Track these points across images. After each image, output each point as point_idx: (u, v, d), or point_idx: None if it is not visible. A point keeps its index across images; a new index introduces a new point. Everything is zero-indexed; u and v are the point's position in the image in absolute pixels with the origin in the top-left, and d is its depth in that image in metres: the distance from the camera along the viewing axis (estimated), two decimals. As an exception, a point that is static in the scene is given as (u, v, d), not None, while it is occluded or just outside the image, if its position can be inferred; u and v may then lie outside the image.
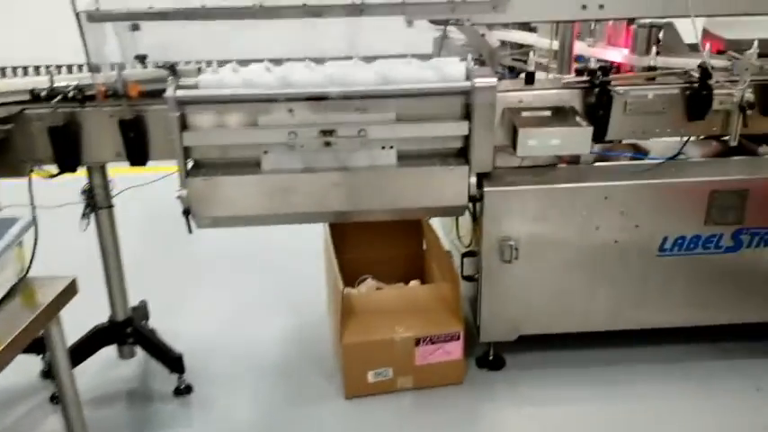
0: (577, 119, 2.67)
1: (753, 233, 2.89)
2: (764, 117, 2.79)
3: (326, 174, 2.65)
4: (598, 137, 2.73)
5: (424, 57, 2.75)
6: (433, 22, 2.60)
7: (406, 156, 2.70)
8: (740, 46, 2.86)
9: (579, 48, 3.15)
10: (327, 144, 2.57)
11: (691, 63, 2.84)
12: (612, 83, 2.70)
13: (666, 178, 2.82)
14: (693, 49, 2.93)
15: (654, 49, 2.88)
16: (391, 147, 2.67)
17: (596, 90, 2.69)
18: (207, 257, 4.04)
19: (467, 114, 2.64)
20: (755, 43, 2.76)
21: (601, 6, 2.66)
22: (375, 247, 3.41)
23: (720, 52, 2.91)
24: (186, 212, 2.63)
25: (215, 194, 2.62)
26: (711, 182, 2.82)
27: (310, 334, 3.37)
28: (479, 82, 2.57)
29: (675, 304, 3.00)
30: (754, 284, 2.97)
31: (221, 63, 2.74)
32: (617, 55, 3.08)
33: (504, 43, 3.37)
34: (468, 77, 2.61)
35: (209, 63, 2.77)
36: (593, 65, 2.98)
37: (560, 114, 2.72)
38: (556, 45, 3.15)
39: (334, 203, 2.71)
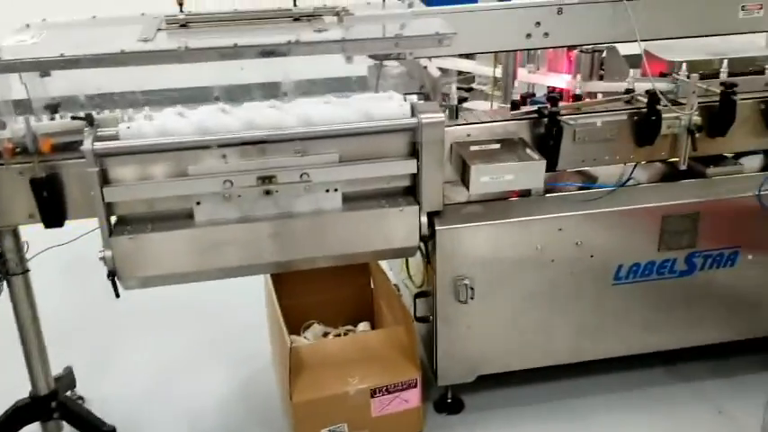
0: (528, 151, 2.56)
1: (705, 256, 2.86)
2: (712, 139, 2.75)
3: (266, 223, 2.45)
4: (549, 167, 2.63)
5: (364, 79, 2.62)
6: (373, 57, 2.44)
7: (352, 198, 2.54)
8: (682, 68, 2.83)
9: (521, 74, 3.07)
10: (267, 193, 2.37)
11: (636, 87, 2.79)
12: (561, 112, 2.61)
13: (619, 206, 2.75)
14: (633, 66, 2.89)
15: (600, 74, 2.81)
16: (336, 189, 2.50)
17: (545, 121, 2.59)
18: (136, 311, 3.70)
19: (414, 152, 2.49)
20: (699, 65, 2.74)
21: (546, 34, 2.57)
22: (320, 289, 3.21)
23: (663, 75, 2.86)
24: (111, 274, 2.37)
25: (143, 253, 2.38)
26: (663, 207, 2.77)
27: (255, 389, 3.14)
28: (426, 118, 2.43)
29: (633, 331, 2.94)
30: (709, 306, 2.94)
31: (144, 102, 2.51)
32: (559, 81, 3.01)
33: (444, 71, 3.24)
34: (413, 113, 2.47)
35: (140, 105, 2.52)
36: (539, 92, 2.91)
37: (510, 147, 2.61)
38: (497, 72, 3.06)
39: (276, 254, 2.51)
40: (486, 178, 2.44)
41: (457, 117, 2.68)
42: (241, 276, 2.62)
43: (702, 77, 2.75)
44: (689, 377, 3.11)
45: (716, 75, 2.80)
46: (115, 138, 2.27)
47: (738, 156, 2.96)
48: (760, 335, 3.01)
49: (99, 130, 2.27)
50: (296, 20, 2.43)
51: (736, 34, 2.79)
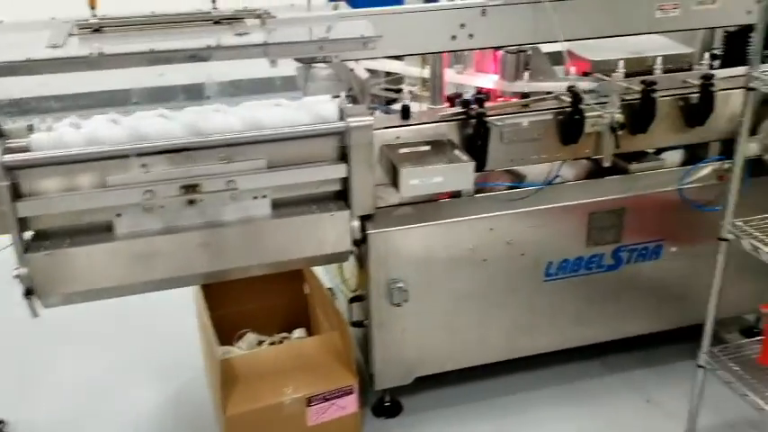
0: (457, 152, 2.56)
1: (631, 249, 2.93)
2: (634, 136, 2.82)
3: (192, 233, 2.37)
4: (478, 167, 2.64)
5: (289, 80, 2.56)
6: (298, 60, 2.39)
7: (282, 204, 2.48)
8: (604, 67, 2.89)
9: (449, 75, 3.06)
10: (191, 202, 2.29)
11: (560, 87, 2.83)
12: (488, 113, 2.62)
13: (547, 204, 2.79)
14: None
15: (526, 74, 2.84)
16: (264, 196, 2.44)
17: (473, 122, 2.59)
18: (59, 326, 3.56)
19: (343, 156, 2.46)
20: (621, 64, 2.80)
21: (471, 36, 2.58)
22: (253, 297, 3.14)
23: (586, 74, 2.92)
24: (28, 293, 2.25)
25: (62, 269, 2.27)
26: (589, 204, 2.82)
27: (189, 402, 3.05)
28: (354, 121, 2.40)
29: (565, 326, 2.99)
30: (637, 298, 3.02)
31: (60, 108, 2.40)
32: (487, 81, 3.02)
33: (372, 72, 3.22)
34: (341, 117, 2.43)
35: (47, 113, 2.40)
36: (468, 93, 2.91)
37: (439, 149, 2.60)
38: (425, 73, 3.05)
39: (205, 264, 2.43)
40: (416, 181, 2.43)
41: (409, 117, 2.64)
42: (170, 289, 2.53)
43: (625, 76, 2.82)
44: (617, 368, 3.19)
45: (637, 73, 2.87)
46: (26, 149, 2.15)
47: (660, 151, 3.05)
48: (686, 324, 3.10)
49: (8, 141, 2.14)
50: (216, 23, 2.36)
51: (654, 33, 2.86)
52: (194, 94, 2.68)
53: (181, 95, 2.44)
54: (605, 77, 2.79)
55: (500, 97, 3.09)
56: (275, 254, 2.50)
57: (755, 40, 2.28)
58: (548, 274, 2.87)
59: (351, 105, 2.52)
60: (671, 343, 3.22)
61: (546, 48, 2.95)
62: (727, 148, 2.99)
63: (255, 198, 2.43)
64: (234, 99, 2.56)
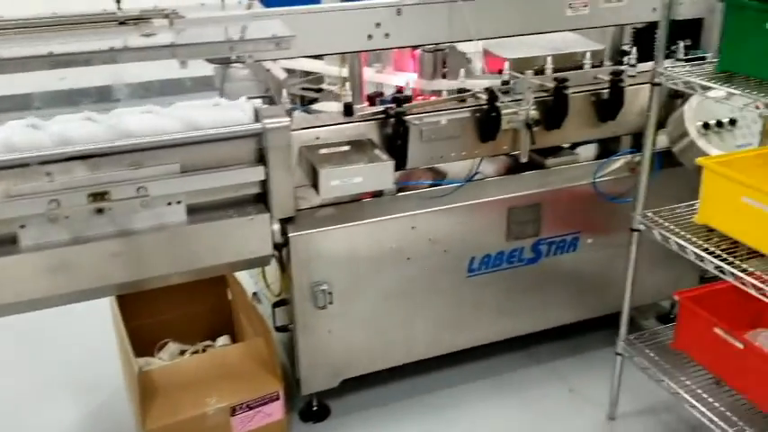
0: (377, 152, 2.56)
1: (549, 242, 2.99)
2: (549, 132, 2.88)
3: (103, 242, 2.28)
4: (398, 166, 2.65)
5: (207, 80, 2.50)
6: (210, 61, 2.33)
7: (198, 209, 2.42)
8: (519, 64, 2.94)
9: (368, 74, 3.06)
10: (99, 211, 2.20)
11: (477, 85, 2.86)
12: (407, 112, 2.63)
13: (467, 200, 2.81)
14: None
15: (462, 72, 2.85)
16: (179, 202, 2.37)
17: (392, 121, 2.59)
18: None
19: (261, 158, 2.42)
20: (536, 61, 2.86)
21: (387, 35, 2.57)
22: (174, 305, 3.05)
23: (501, 71, 2.96)
24: (-75, 312, 2.11)
25: (-37, 285, 2.14)
26: (508, 199, 2.87)
27: (108, 418, 2.94)
28: (271, 123, 2.36)
29: (489, 320, 3.03)
30: (556, 290, 3.09)
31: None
32: (405, 80, 3.03)
33: (291, 71, 3.18)
34: (257, 118, 2.39)
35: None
36: (388, 91, 2.92)
37: (359, 149, 2.59)
38: (344, 72, 3.03)
39: (119, 274, 2.35)
40: (336, 181, 2.41)
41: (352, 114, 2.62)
42: (84, 301, 2.43)
43: (537, 73, 2.88)
44: (541, 358, 3.26)
45: (553, 70, 2.93)
46: None
47: (575, 146, 3.13)
48: (606, 312, 3.18)
49: None
50: (121, 23, 2.28)
51: (565, 31, 2.93)
52: (103, 96, 2.58)
53: (86, 99, 2.34)
54: (519, 75, 2.83)
55: (420, 95, 3.11)
56: (193, 261, 2.44)
57: (660, 36, 2.36)
58: (471, 270, 2.90)
59: (267, 106, 2.48)
60: (593, 331, 3.30)
61: (467, 48, 2.98)
62: (638, 141, 3.10)
63: (170, 204, 2.36)
64: (144, 101, 2.49)
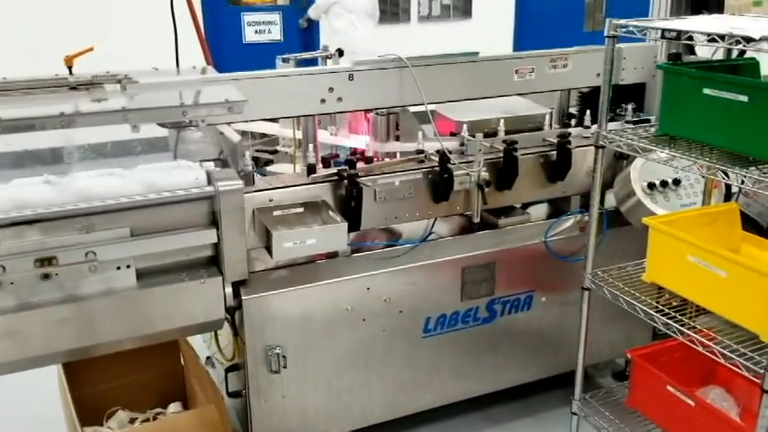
0: (331, 213, 2.57)
1: (503, 302, 3.02)
2: (500, 192, 2.94)
3: (50, 309, 2.22)
4: (352, 227, 2.66)
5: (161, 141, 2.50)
6: (163, 125, 2.34)
7: (149, 272, 2.39)
8: (470, 127, 3.02)
9: (322, 136, 3.10)
10: (46, 276, 2.15)
11: (429, 147, 2.92)
12: (360, 173, 2.66)
13: (422, 260, 2.83)
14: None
15: (420, 135, 2.90)
16: (128, 266, 2.33)
17: (346, 183, 2.62)
18: None
19: (214, 221, 2.41)
20: (485, 124, 2.93)
21: (339, 99, 2.63)
22: (124, 371, 2.96)
23: (453, 134, 3.03)
24: None
25: None
26: (462, 259, 2.90)
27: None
28: (223, 185, 2.36)
29: (446, 381, 3.01)
30: (511, 349, 3.10)
31: None
32: (359, 142, 3.08)
33: (245, 133, 3.20)
34: (210, 181, 2.39)
35: None
36: (342, 153, 2.95)
37: (313, 210, 2.60)
38: (299, 134, 3.07)
39: (67, 341, 2.29)
40: (290, 244, 2.41)
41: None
42: (30, 369, 2.35)
43: (487, 135, 2.96)
44: (498, 419, 3.23)
45: (500, 132, 3.01)
46: None
47: (526, 206, 3.19)
48: (562, 371, 3.20)
49: None
50: (73, 88, 2.28)
51: (512, 95, 3.03)
52: (55, 159, 2.55)
53: (36, 162, 2.32)
54: (470, 137, 2.90)
55: (374, 157, 3.15)
56: (144, 326, 2.39)
57: (602, 101, 2.46)
58: (426, 330, 2.89)
59: (219, 169, 2.49)
60: (550, 390, 3.31)
61: (415, 108, 3.05)
62: (587, 200, 3.19)
63: (119, 268, 2.32)
64: (97, 163, 2.47)
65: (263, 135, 3.43)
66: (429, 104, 2.75)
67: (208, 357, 3.34)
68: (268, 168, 3.11)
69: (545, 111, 3.21)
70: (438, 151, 2.78)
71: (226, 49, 6.35)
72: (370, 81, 2.66)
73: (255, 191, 2.56)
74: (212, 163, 2.56)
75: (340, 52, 3.56)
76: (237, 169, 2.61)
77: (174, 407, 3.05)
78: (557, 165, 2.99)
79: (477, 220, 2.90)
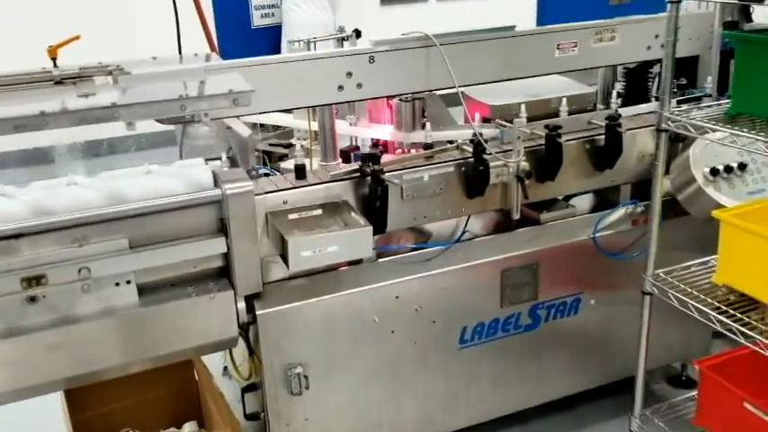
0: (353, 215, 2.28)
1: (548, 306, 2.71)
2: (542, 184, 2.62)
3: (41, 334, 1.97)
4: (378, 230, 2.37)
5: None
6: (161, 121, 2.06)
7: (152, 287, 2.13)
8: (505, 111, 2.71)
9: (341, 127, 2.80)
10: (32, 300, 1.90)
11: (461, 135, 2.62)
12: (385, 169, 2.36)
13: (456, 264, 2.53)
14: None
15: (427, 126, 2.59)
16: (128, 281, 2.07)
17: (369, 180, 2.32)
18: None
19: (222, 228, 2.14)
20: (522, 108, 2.62)
21: (359, 85, 2.33)
22: (133, 390, 2.70)
23: (486, 120, 2.72)
24: None
25: None
26: (501, 260, 2.59)
27: None
28: (231, 188, 2.08)
29: (484, 396, 2.72)
30: (556, 358, 2.79)
31: None
32: (382, 132, 2.78)
33: (257, 126, 2.92)
34: (216, 183, 2.11)
35: None
36: (362, 144, 2.66)
37: (333, 212, 2.31)
38: (315, 125, 2.78)
39: (63, 369, 2.04)
40: (308, 252, 2.12)
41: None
42: (26, 399, 2.11)
43: (526, 120, 2.64)
44: (541, 434, 2.94)
45: (540, 117, 2.69)
46: None
47: (568, 197, 2.87)
48: (612, 380, 2.90)
49: None
50: (58, 83, 2.01)
51: (554, 74, 2.70)
52: (40, 159, 2.30)
53: (17, 162, 2.06)
54: (507, 123, 2.59)
55: (398, 148, 2.85)
56: (147, 348, 2.14)
57: (664, 77, 2.13)
58: (462, 341, 2.60)
59: (227, 169, 2.21)
60: (599, 399, 3.00)
61: (443, 92, 2.74)
62: (639, 189, 2.87)
63: (117, 285, 2.06)
64: (94, 162, 2.22)
65: (276, 127, 3.15)
66: (460, 87, 2.43)
67: (225, 368, 3.09)
68: (282, 165, 2.83)
69: (591, 90, 2.88)
70: (471, 140, 2.47)
71: (232, 34, 6.06)
72: (393, 63, 2.35)
73: (268, 192, 2.28)
74: (219, 161, 2.29)
75: (357, 33, 3.25)
76: (248, 167, 2.33)
77: (188, 426, 2.80)
78: (605, 151, 2.66)
79: (516, 216, 2.59)
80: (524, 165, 2.52)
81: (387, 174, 2.36)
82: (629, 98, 3.03)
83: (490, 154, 2.47)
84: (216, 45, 2.54)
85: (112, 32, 4.23)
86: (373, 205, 2.34)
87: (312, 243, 2.12)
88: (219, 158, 2.29)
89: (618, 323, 2.80)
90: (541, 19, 7.98)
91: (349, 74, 2.30)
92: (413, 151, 2.78)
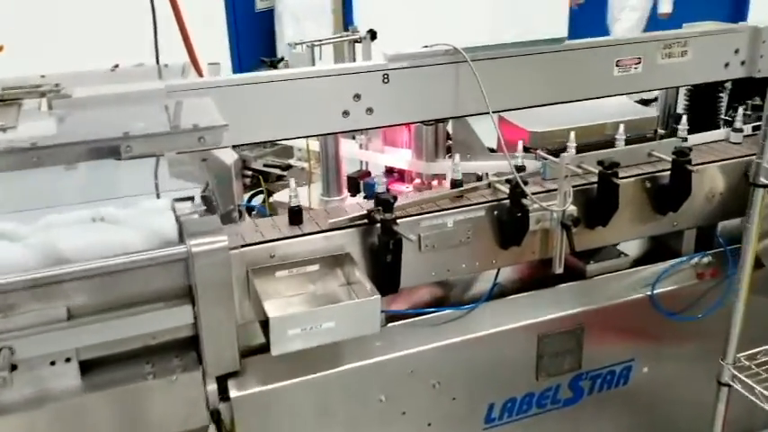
0: (357, 275, 1.81)
1: (593, 376, 2.24)
2: (591, 230, 2.14)
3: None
4: (389, 288, 1.91)
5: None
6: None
7: (100, 363, 1.67)
8: (548, 139, 2.22)
9: (348, 149, 2.33)
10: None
11: (494, 167, 2.14)
12: (400, 213, 1.88)
13: (483, 329, 2.06)
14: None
15: (456, 157, 2.09)
16: (68, 359, 1.62)
17: (379, 231, 1.85)
18: None
19: (189, 291, 1.67)
20: (571, 136, 2.13)
21: (369, 110, 1.84)
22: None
23: (525, 149, 2.23)
24: None
25: None
26: (538, 324, 2.12)
27: None
28: (199, 245, 1.61)
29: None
30: (602, 436, 2.33)
31: None
32: (398, 159, 2.30)
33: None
34: (181, 237, 1.65)
35: None
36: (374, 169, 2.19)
37: (333, 269, 1.85)
38: (316, 145, 2.31)
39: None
40: (296, 330, 1.65)
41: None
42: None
43: (560, 150, 2.15)
44: None
45: (590, 146, 2.20)
46: None
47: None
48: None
49: None
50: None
51: (611, 96, 2.19)
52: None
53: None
54: (549, 156, 2.10)
55: (416, 179, 2.38)
56: (92, 441, 1.68)
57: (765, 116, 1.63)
58: (489, 420, 2.14)
59: (197, 217, 1.74)
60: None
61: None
62: (704, 233, 2.39)
63: (53, 364, 1.62)
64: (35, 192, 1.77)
65: (274, 143, 2.69)
66: (495, 113, 1.94)
67: None
68: (276, 196, 2.36)
69: (652, 113, 2.38)
70: (508, 180, 1.98)
71: (240, 19, 5.56)
72: (412, 83, 1.86)
73: (249, 245, 1.81)
74: (189, 202, 1.82)
75: (372, 34, 2.77)
76: (229, 206, 1.87)
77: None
78: (670, 191, 2.17)
79: (559, 270, 2.10)
80: (572, 209, 2.03)
81: (402, 219, 1.88)
82: (694, 122, 2.52)
83: (530, 196, 1.97)
84: (196, 55, 2.06)
85: (90, 35, 3.70)
86: (383, 261, 1.87)
87: (301, 320, 1.65)
88: (187, 199, 1.81)
89: (676, 393, 2.32)
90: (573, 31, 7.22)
91: (357, 96, 1.82)
92: (434, 183, 2.30)
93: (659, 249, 2.40)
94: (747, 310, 1.85)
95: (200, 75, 2.18)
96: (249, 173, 2.72)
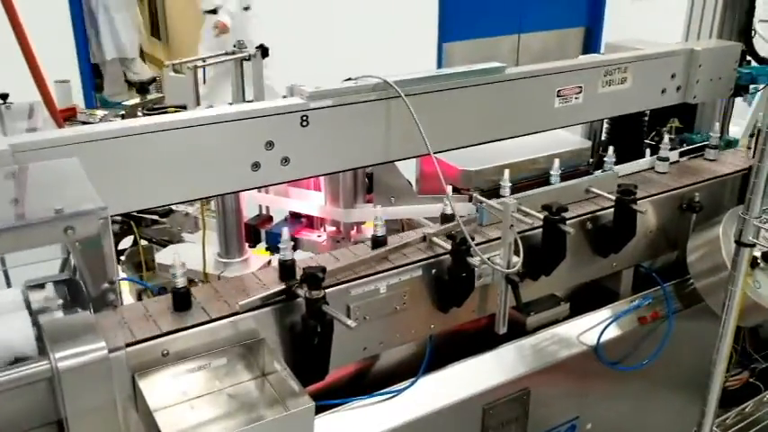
0: (279, 369, 1.43)
1: (540, 441, 2.00)
2: (534, 281, 1.89)
3: None
4: (317, 376, 1.55)
5: None
6: None
7: None
8: (480, 178, 1.95)
9: (248, 193, 1.93)
10: None
11: (424, 212, 1.84)
12: (323, 284, 1.52)
13: (421, 409, 1.75)
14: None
15: (379, 208, 1.75)
16: None
17: (304, 312, 1.48)
18: None
19: (59, 419, 1.23)
20: (506, 174, 1.86)
21: (285, 160, 1.47)
22: None
23: (456, 189, 1.95)
24: None
25: None
26: (483, 394, 1.84)
27: None
28: (66, 356, 1.18)
29: None
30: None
31: None
32: (308, 204, 1.94)
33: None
34: (41, 347, 1.20)
35: None
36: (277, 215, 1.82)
37: (246, 364, 1.46)
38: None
39: None
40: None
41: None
42: None
43: (494, 190, 1.90)
44: None
45: (525, 183, 1.96)
46: None
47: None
48: None
49: None
50: None
51: (554, 129, 1.95)
52: None
53: None
54: (489, 201, 1.82)
55: (330, 225, 2.02)
56: None
57: (758, 181, 1.43)
58: (429, 505, 1.84)
59: (61, 316, 1.29)
60: None
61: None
62: (641, 273, 2.23)
63: None
64: None
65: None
66: (436, 154, 1.63)
67: None
68: (159, 256, 1.92)
69: (586, 144, 2.17)
70: (449, 235, 1.68)
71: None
72: (337, 125, 1.51)
73: (135, 343, 1.38)
74: (50, 291, 1.36)
75: (264, 51, 2.37)
76: (100, 286, 1.42)
77: None
78: (614, 233, 1.97)
79: (502, 331, 1.83)
80: (516, 260, 1.76)
81: (328, 288, 1.53)
82: (619, 147, 2.35)
83: (473, 248, 1.68)
84: (50, 91, 1.58)
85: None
86: (309, 342, 1.51)
87: (214, 445, 1.25)
88: (38, 285, 1.35)
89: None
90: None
91: (269, 144, 1.44)
92: (352, 233, 1.96)
93: (596, 290, 2.20)
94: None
95: (53, 109, 1.69)
96: (118, 218, 2.24)
